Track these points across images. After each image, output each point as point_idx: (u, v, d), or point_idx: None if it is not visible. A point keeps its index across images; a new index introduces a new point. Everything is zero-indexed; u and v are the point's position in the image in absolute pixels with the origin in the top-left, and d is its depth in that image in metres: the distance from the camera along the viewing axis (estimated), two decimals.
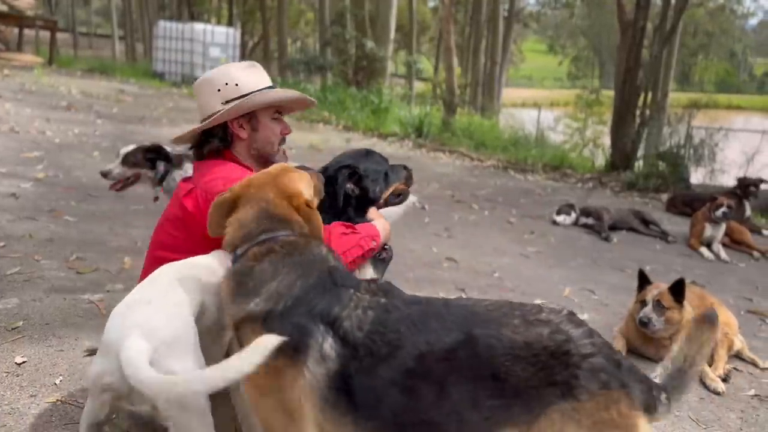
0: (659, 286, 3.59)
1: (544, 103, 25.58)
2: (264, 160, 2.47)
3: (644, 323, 3.48)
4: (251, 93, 2.39)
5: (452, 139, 10.85)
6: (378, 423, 1.47)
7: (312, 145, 9.33)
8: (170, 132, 8.92)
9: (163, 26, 16.32)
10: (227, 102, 2.35)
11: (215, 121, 2.33)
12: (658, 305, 3.49)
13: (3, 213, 4.90)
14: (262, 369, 1.38)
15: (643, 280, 3.68)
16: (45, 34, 20.06)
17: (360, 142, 10.40)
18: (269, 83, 2.48)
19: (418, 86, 23.00)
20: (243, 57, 21.56)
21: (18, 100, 9.15)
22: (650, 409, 1.49)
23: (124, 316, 1.68)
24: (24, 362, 2.99)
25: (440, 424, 1.44)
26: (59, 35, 21.75)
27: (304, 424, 1.50)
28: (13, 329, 3.29)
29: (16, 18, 18.06)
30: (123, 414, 2.20)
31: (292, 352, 1.48)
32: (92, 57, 20.31)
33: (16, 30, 19.10)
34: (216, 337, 1.97)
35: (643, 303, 3.57)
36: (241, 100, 2.36)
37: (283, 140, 2.54)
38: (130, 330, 1.60)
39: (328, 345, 1.50)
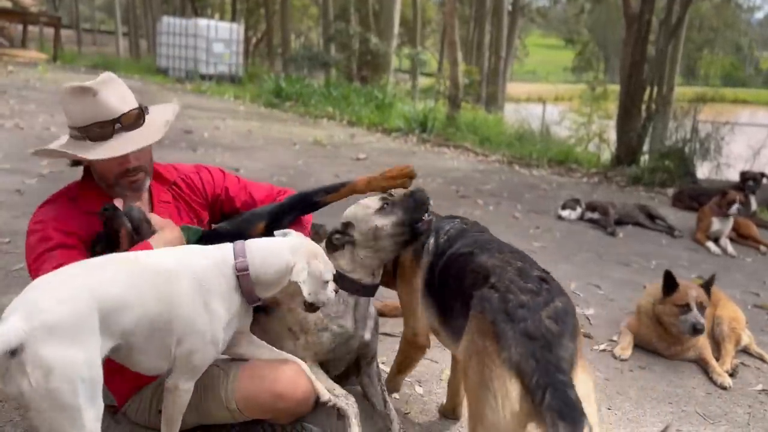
0: (692, 286, 3.48)
1: (548, 98, 25.46)
2: (109, 188, 2.19)
3: (698, 330, 3.34)
4: (73, 135, 2.06)
5: (457, 134, 10.81)
6: (440, 292, 2.17)
7: (316, 140, 9.31)
8: (173, 129, 8.92)
9: (167, 22, 16.31)
10: (69, 132, 2.09)
11: (43, 154, 2.11)
12: (701, 307, 3.40)
13: (8, 209, 4.91)
14: (409, 262, 2.34)
15: (671, 281, 3.49)
16: (49, 31, 20.09)
17: (364, 137, 10.38)
18: (108, 111, 2.03)
19: (422, 81, 22.94)
20: (246, 53, 21.55)
21: (22, 97, 9.16)
22: (522, 374, 1.66)
23: (23, 293, 1.58)
24: None
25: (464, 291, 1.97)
26: (63, 32, 21.76)
27: (417, 294, 2.30)
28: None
29: (20, 14, 18.09)
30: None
31: (420, 251, 2.30)
32: (96, 53, 20.31)
33: (20, 27, 19.12)
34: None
35: (685, 307, 3.41)
36: (53, 148, 2.08)
37: (130, 172, 2.15)
38: (15, 306, 1.51)
39: (429, 245, 2.27)
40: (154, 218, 2.11)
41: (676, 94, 14.96)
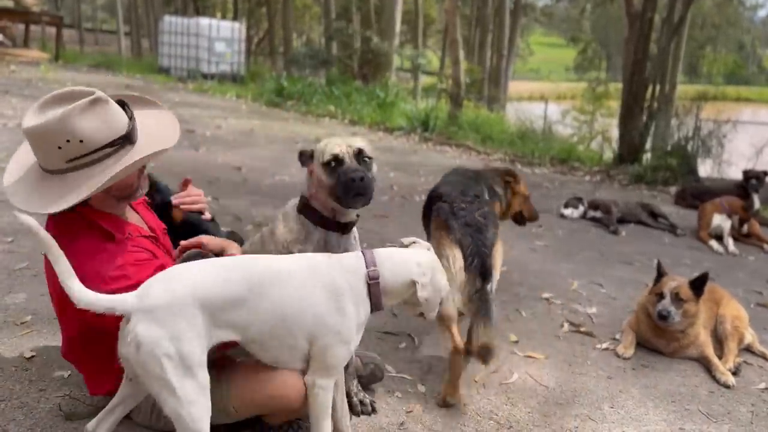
0: (675, 279, 3.55)
1: (551, 96, 25.39)
2: (126, 198, 2.15)
3: (663, 316, 3.43)
4: (99, 151, 1.90)
5: (459, 132, 10.80)
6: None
7: (318, 138, 9.29)
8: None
9: (169, 21, 16.32)
10: (71, 161, 1.89)
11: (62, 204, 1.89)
12: (677, 298, 3.45)
13: (11, 208, 4.90)
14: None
15: (660, 272, 3.62)
16: (51, 31, 20.10)
17: (366, 135, 10.37)
18: (119, 127, 1.93)
19: (424, 80, 22.92)
20: (249, 52, 21.54)
21: (24, 96, 9.18)
22: (462, 247, 2.76)
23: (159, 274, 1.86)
24: (33, 356, 2.99)
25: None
26: (65, 31, 21.78)
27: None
28: (21, 323, 3.29)
29: (22, 14, 18.12)
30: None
31: None
32: (98, 53, 20.33)
33: (22, 26, 19.14)
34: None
35: (660, 296, 3.51)
36: (89, 171, 1.91)
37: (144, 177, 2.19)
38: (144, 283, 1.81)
39: None
40: (212, 243, 2.31)
41: (678, 92, 14.93)
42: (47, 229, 1.92)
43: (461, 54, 12.25)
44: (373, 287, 1.96)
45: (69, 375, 2.68)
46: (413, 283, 1.97)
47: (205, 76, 15.26)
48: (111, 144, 1.90)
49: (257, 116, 10.80)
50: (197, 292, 1.77)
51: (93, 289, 1.76)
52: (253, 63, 20.77)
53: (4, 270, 3.86)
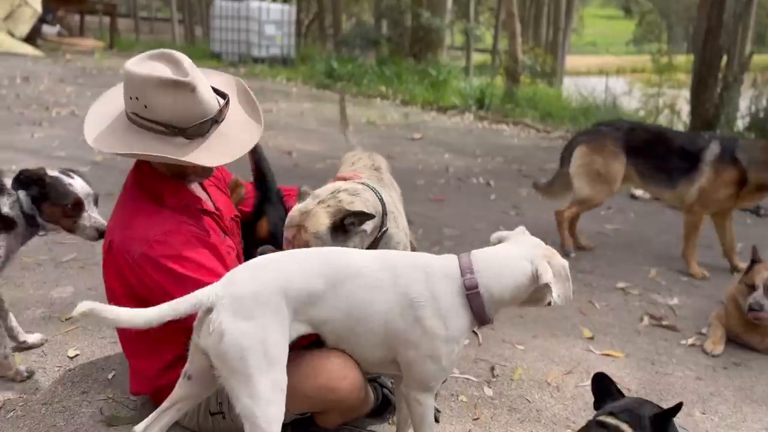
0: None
1: (609, 70, 24.38)
2: (194, 175, 2.06)
3: (755, 309, 3.05)
4: (156, 125, 1.85)
5: (516, 110, 10.34)
6: None
7: (369, 120, 9.05)
8: None
9: (219, 5, 16.28)
10: (134, 114, 1.86)
11: (111, 148, 1.90)
12: None
13: None
14: None
15: (754, 259, 3.24)
16: (107, 20, 20.40)
17: (418, 116, 10.06)
18: (186, 118, 1.86)
19: (477, 58, 22.34)
20: (299, 34, 21.39)
21: (79, 84, 9.25)
22: None
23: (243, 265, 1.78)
24: (77, 355, 2.87)
25: None
26: (121, 21, 22.14)
27: None
28: (66, 320, 3.17)
29: (78, 3, 18.43)
30: None
31: None
32: (153, 41, 20.55)
33: (78, 16, 19.52)
34: None
35: (752, 287, 3.13)
36: (146, 135, 1.87)
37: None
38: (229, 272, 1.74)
39: None
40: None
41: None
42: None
43: (518, 27, 11.72)
44: (473, 298, 1.71)
45: (113, 376, 2.54)
46: (533, 279, 1.72)
47: (255, 60, 15.18)
48: (166, 127, 1.85)
49: (308, 99, 10.62)
50: (283, 283, 1.66)
51: (133, 251, 1.84)
52: (303, 45, 20.63)
53: (51, 262, 3.77)
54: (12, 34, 13.84)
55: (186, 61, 1.87)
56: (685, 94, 11.38)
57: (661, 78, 12.76)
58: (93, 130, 1.93)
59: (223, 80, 2.13)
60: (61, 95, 8.87)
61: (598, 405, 1.77)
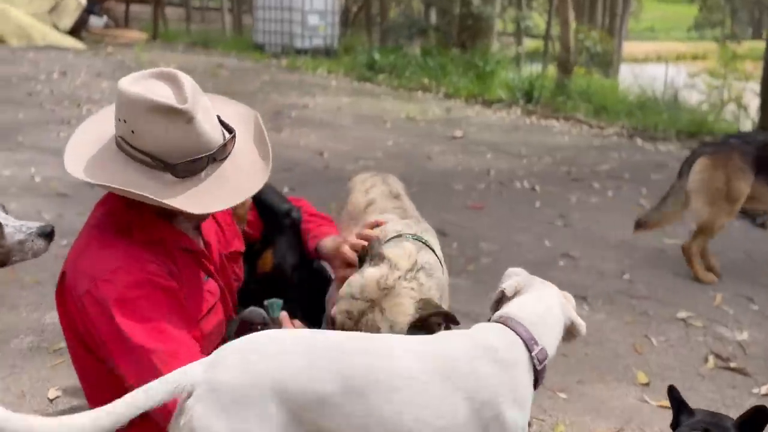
0: None
1: (668, 57, 23.20)
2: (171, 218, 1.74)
3: None
4: (141, 154, 1.56)
5: (567, 103, 9.68)
6: None
7: (409, 116, 8.60)
8: (261, 109, 8.54)
9: None
10: (120, 138, 1.59)
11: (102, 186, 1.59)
12: None
13: (74, 205, 4.62)
14: None
15: None
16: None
17: (461, 111, 9.55)
18: (175, 153, 1.56)
19: (529, 44, 21.55)
20: (344, 24, 21.03)
21: (115, 79, 9.08)
22: None
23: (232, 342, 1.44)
24: (57, 397, 2.59)
25: None
26: (173, 10, 22.19)
27: None
28: (55, 351, 2.91)
29: None
30: None
31: None
32: (202, 30, 20.50)
33: (123, 6, 19.58)
34: None
35: None
36: (127, 162, 1.59)
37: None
38: (216, 352, 1.42)
39: None
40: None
41: None
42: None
43: (571, 14, 11.02)
44: (543, 369, 1.50)
45: None
46: (565, 336, 1.62)
47: (298, 51, 14.92)
48: (153, 159, 1.56)
49: (346, 93, 10.23)
50: (280, 378, 1.30)
51: (79, 288, 1.55)
52: (349, 35, 20.26)
53: (51, 280, 3.50)
54: (56, 27, 13.94)
55: (189, 84, 1.56)
56: (753, 86, 10.49)
57: (726, 68, 11.82)
58: (74, 152, 1.65)
59: (239, 111, 1.82)
60: (96, 91, 8.78)
61: (676, 422, 1.67)
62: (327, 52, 15.34)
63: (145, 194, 1.53)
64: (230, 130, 1.67)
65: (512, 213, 5.10)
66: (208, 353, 1.74)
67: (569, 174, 6.43)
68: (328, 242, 2.13)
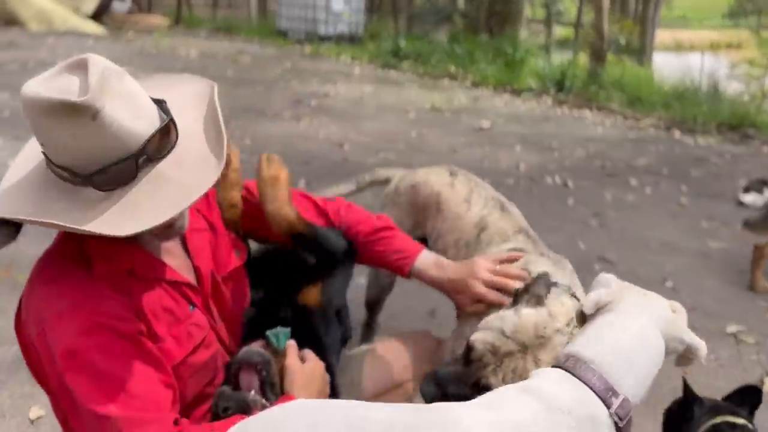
0: None
1: (702, 46, 22.36)
2: (136, 238, 1.33)
3: None
4: (59, 169, 1.23)
5: (600, 93, 9.23)
6: None
7: (434, 106, 8.23)
8: (281, 98, 8.27)
9: None
10: (47, 163, 1.26)
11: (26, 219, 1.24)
12: None
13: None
14: None
15: None
16: None
17: (489, 100, 9.16)
18: (92, 158, 1.20)
19: (559, 32, 20.94)
20: (370, 10, 20.64)
21: (134, 66, 8.92)
22: None
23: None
24: (40, 417, 2.36)
25: None
26: None
27: None
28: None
29: None
30: None
31: None
32: (228, 16, 20.23)
33: None
34: None
35: None
36: (58, 187, 1.25)
37: (172, 226, 1.38)
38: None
39: None
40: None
41: None
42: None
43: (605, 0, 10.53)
44: (627, 425, 1.18)
45: None
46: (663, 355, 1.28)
47: (321, 38, 14.60)
48: (69, 172, 1.22)
49: (369, 81, 9.89)
50: None
51: (29, 329, 1.28)
52: (375, 21, 19.89)
53: None
54: (78, 12, 13.79)
55: (98, 69, 1.19)
56: None
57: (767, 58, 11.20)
58: (8, 181, 1.34)
59: (198, 90, 1.44)
60: None
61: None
62: (351, 39, 15.00)
63: (53, 222, 1.18)
64: (168, 117, 1.29)
65: (543, 211, 4.76)
66: (196, 390, 1.47)
67: (604, 169, 6.05)
68: (431, 268, 1.82)
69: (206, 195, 1.59)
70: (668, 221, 4.78)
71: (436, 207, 2.15)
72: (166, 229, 1.35)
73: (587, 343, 1.23)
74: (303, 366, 1.50)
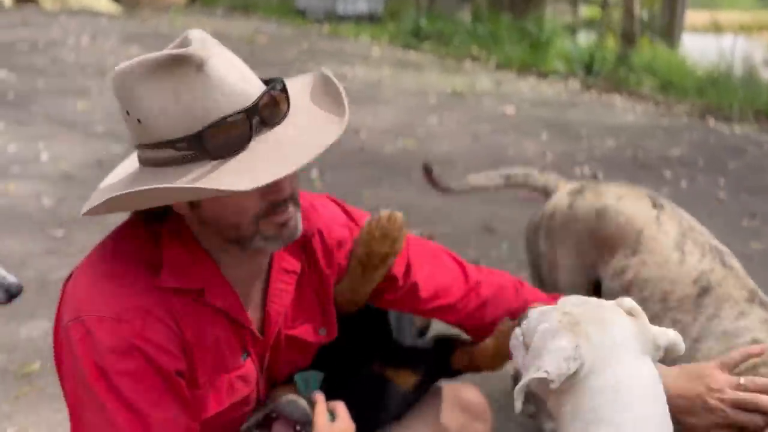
0: None
1: (731, 28, 21.54)
2: (238, 242, 1.18)
3: None
4: (164, 148, 1.08)
5: (630, 77, 8.82)
6: None
7: (455, 91, 7.88)
8: None
9: None
10: (140, 147, 1.13)
11: (100, 209, 1.12)
12: None
13: (77, 187, 4.21)
14: None
15: None
16: None
17: (513, 84, 8.79)
18: (202, 117, 1.06)
19: (585, 12, 20.32)
20: None
21: (146, 46, 8.70)
22: None
23: None
24: None
25: None
26: None
27: None
28: (23, 375, 2.48)
29: None
30: None
31: None
32: None
33: None
34: None
35: None
36: (151, 173, 1.12)
37: (281, 206, 1.15)
38: None
39: None
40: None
41: None
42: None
43: None
44: None
45: None
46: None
47: (341, 18, 14.25)
48: (176, 146, 1.07)
49: (388, 63, 9.54)
50: None
51: (63, 314, 1.15)
52: (395, 0, 19.46)
53: (35, 281, 3.10)
54: None
55: (198, 35, 1.11)
56: None
57: None
58: (100, 190, 1.24)
59: (299, 81, 1.29)
60: (123, 58, 8.21)
61: None
62: (371, 18, 14.63)
63: (161, 186, 1.04)
64: (274, 83, 1.14)
65: None
66: None
67: (636, 159, 5.70)
68: None
69: (328, 244, 1.39)
70: (706, 218, 4.34)
71: (634, 246, 1.77)
72: (280, 228, 1.16)
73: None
74: (332, 426, 1.29)
